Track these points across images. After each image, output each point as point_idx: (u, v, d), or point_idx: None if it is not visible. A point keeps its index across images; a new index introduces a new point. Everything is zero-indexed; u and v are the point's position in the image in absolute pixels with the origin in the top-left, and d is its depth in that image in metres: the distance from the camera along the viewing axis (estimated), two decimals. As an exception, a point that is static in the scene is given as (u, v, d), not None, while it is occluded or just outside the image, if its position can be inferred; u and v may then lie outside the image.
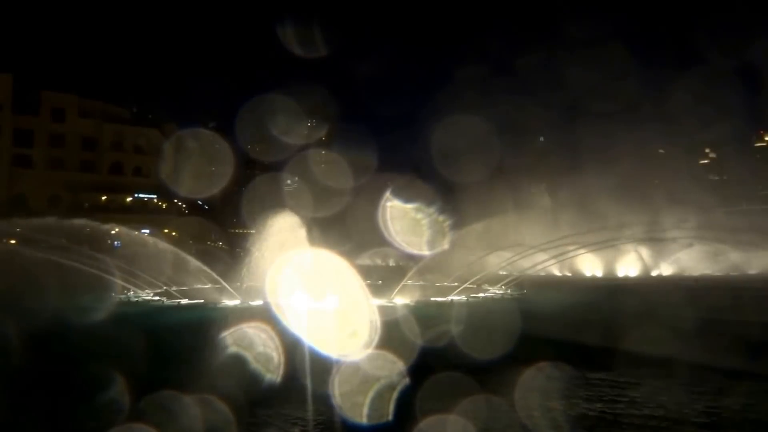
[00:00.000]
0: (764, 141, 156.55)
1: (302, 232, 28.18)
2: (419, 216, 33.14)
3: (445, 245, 36.25)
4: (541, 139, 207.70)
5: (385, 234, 30.26)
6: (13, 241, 46.83)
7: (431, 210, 35.11)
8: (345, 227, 46.39)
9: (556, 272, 65.46)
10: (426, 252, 29.88)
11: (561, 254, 43.44)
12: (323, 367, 12.29)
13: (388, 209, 31.00)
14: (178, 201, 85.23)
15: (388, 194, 32.29)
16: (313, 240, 28.03)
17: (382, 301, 28.37)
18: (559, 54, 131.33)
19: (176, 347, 16.83)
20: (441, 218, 36.87)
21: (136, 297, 33.50)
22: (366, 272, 35.49)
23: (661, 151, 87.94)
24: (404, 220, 31.49)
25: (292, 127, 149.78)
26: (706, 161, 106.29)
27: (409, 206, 32.64)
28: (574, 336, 18.01)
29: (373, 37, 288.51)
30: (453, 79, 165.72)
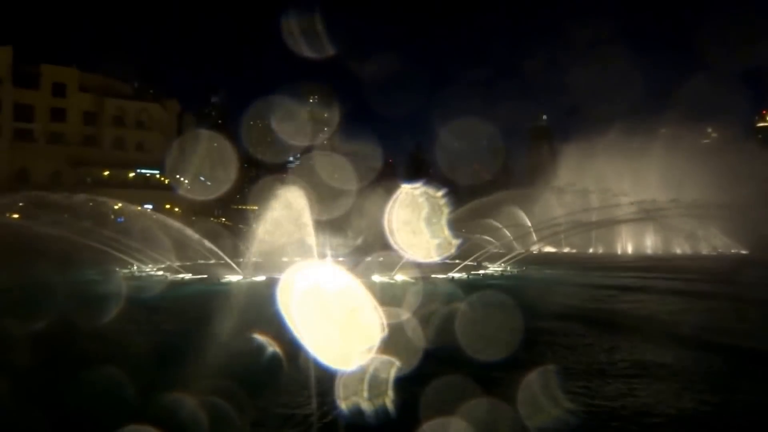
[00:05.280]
0: (766, 121, 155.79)
1: (306, 208, 28.42)
2: (430, 217, 32.97)
3: (453, 250, 36.52)
4: (544, 117, 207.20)
5: (391, 240, 30.10)
6: (15, 216, 47.09)
7: (440, 202, 35.00)
8: (348, 230, 46.66)
9: (552, 249, 66.05)
10: (435, 258, 29.77)
11: (558, 233, 43.83)
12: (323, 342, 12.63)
13: (395, 213, 30.75)
14: (181, 176, 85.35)
15: (394, 197, 32.09)
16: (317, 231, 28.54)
17: (384, 278, 28.72)
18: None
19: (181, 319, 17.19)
20: (443, 202, 36.83)
21: (139, 272, 33.87)
22: (367, 249, 35.84)
23: (663, 130, 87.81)
24: (411, 225, 31.31)
25: (295, 119, 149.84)
26: (707, 141, 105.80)
27: (417, 207, 32.35)
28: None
29: (378, 40, 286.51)
30: (456, 81, 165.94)
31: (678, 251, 67.75)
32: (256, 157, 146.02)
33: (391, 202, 30.83)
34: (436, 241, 33.68)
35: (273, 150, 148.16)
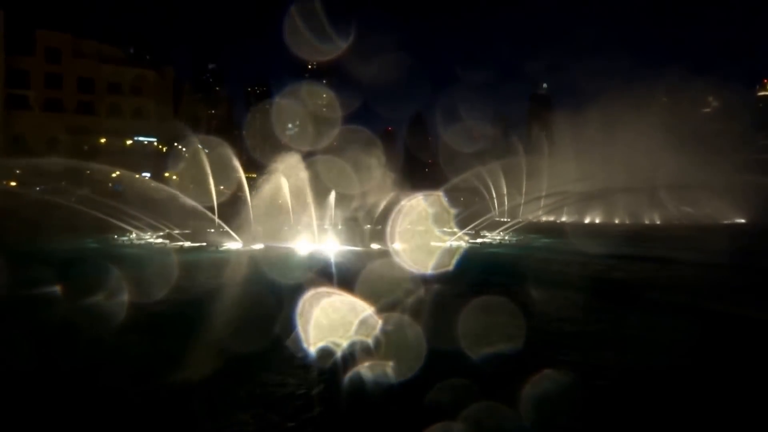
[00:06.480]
0: (767, 90, 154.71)
1: (304, 173, 28.36)
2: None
3: (452, 222, 36.32)
4: (545, 85, 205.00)
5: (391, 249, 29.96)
6: (13, 183, 46.90)
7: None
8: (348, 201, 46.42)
9: (550, 218, 66.18)
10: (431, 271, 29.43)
11: (555, 202, 43.85)
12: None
13: (397, 228, 30.56)
14: (179, 144, 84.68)
15: (401, 205, 31.87)
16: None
17: (382, 246, 28.84)
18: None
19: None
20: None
21: (138, 239, 33.92)
22: (366, 218, 35.88)
23: (664, 99, 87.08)
24: (413, 236, 31.20)
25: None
26: (708, 110, 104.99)
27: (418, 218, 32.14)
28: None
29: (380, 42, 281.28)
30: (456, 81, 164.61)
31: (675, 222, 67.91)
32: (254, 123, 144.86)
33: (393, 213, 30.87)
34: (434, 211, 33.67)
35: (270, 119, 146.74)
